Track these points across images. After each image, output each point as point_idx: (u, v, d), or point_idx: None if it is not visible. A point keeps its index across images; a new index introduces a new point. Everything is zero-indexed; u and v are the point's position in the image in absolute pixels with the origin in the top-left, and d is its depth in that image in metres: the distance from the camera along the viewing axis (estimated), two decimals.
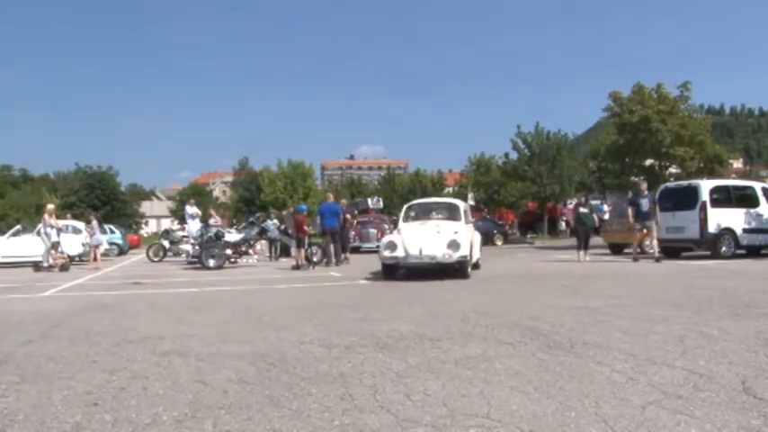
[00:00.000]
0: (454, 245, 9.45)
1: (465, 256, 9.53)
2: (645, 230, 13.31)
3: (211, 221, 17.64)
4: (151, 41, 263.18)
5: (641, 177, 18.60)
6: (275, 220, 18.68)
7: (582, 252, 13.60)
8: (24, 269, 15.42)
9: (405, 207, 12.11)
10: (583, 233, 13.87)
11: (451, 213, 11.13)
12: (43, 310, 7.05)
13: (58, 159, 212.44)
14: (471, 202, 13.51)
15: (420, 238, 9.84)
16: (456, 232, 9.86)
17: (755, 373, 3.37)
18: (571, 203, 33.90)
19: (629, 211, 13.40)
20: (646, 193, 13.34)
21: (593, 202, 19.22)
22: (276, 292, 8.84)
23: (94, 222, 17.06)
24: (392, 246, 9.89)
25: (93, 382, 3.50)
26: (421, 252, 9.54)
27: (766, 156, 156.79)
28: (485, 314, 5.74)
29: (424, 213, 11.46)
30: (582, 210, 14.22)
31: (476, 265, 11.18)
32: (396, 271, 10.17)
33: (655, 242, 12.93)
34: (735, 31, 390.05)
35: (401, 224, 10.96)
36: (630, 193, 25.27)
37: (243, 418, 2.80)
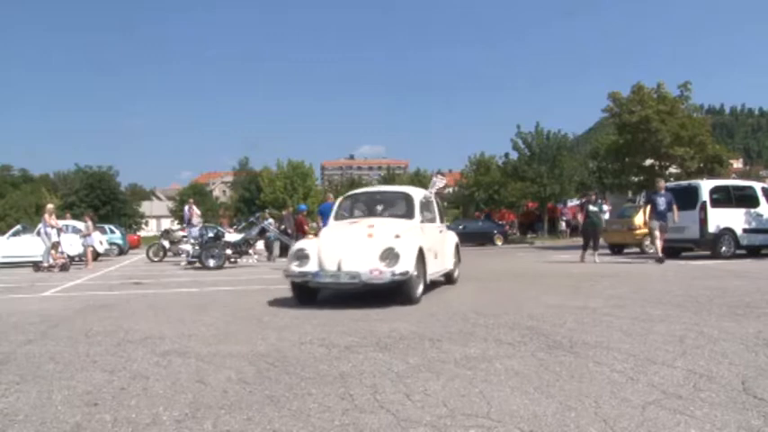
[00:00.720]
0: (391, 255, 6.52)
1: (406, 273, 6.43)
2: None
3: (194, 221, 17.74)
4: (151, 41, 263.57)
5: (648, 177, 18.38)
6: (270, 220, 18.75)
7: (588, 252, 13.34)
8: (24, 269, 15.44)
9: (339, 199, 9.00)
10: (591, 233, 13.56)
11: (401, 207, 8.08)
12: (43, 310, 7.05)
13: (58, 159, 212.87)
14: (440, 184, 9.48)
15: (342, 244, 6.83)
16: (398, 236, 6.88)
17: (755, 373, 3.37)
18: (571, 203, 33.94)
19: (646, 208, 12.91)
20: (663, 191, 12.76)
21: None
22: (276, 291, 8.84)
23: (89, 223, 17.20)
24: (302, 256, 6.82)
25: (93, 382, 3.50)
26: (340, 266, 6.52)
27: (766, 156, 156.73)
28: (485, 314, 5.74)
29: (364, 207, 8.55)
30: (592, 208, 13.69)
31: (449, 278, 8.75)
32: (312, 293, 7.07)
33: (660, 243, 12.50)
34: (735, 31, 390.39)
35: (330, 222, 8.03)
36: (631, 193, 25.48)
37: (243, 418, 2.80)
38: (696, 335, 4.47)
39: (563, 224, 32.74)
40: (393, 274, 6.41)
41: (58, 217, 17.52)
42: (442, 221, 9.01)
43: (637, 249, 16.82)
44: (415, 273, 6.67)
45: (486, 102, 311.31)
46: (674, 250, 13.80)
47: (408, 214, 7.79)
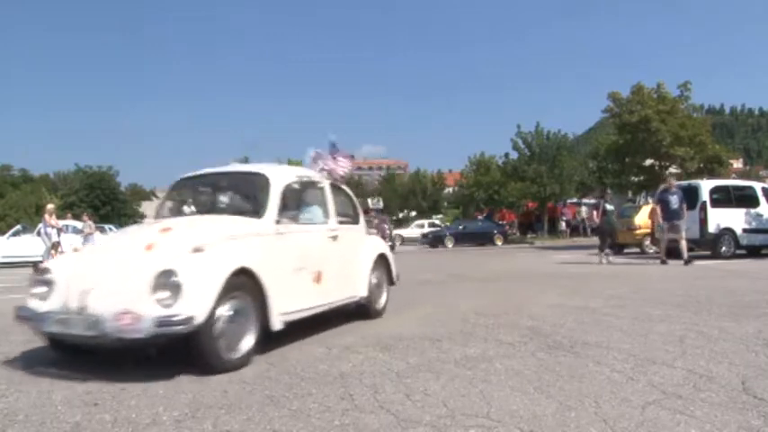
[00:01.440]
0: (168, 285, 3.50)
1: (188, 320, 3.41)
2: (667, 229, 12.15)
3: None
4: (151, 41, 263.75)
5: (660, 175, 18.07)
6: None
7: (604, 253, 13.07)
8: (24, 269, 15.44)
9: (173, 183, 5.62)
10: (608, 233, 13.32)
11: (250, 198, 4.99)
12: None
13: (58, 159, 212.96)
14: (344, 166, 5.72)
15: (101, 265, 3.91)
16: (198, 249, 3.79)
17: (755, 373, 3.37)
18: (570, 201, 33.92)
19: (657, 209, 12.47)
20: (674, 189, 12.29)
21: (590, 202, 19.06)
22: None
23: (90, 222, 17.30)
24: (45, 282, 3.91)
25: (93, 382, 3.50)
26: (83, 307, 3.56)
27: (766, 156, 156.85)
28: (485, 314, 5.74)
29: (205, 200, 5.32)
30: (609, 207, 13.35)
31: (366, 311, 5.66)
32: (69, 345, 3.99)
33: (663, 244, 12.26)
34: (735, 31, 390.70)
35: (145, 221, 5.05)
36: (631, 193, 25.47)
37: (243, 418, 2.80)
38: (696, 335, 4.47)
39: (563, 224, 32.75)
40: (161, 323, 3.40)
41: (59, 217, 17.55)
42: (356, 221, 6.03)
43: (637, 249, 16.82)
44: (223, 316, 3.72)
45: (486, 102, 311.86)
46: (674, 250, 13.76)
47: (256, 209, 4.66)
